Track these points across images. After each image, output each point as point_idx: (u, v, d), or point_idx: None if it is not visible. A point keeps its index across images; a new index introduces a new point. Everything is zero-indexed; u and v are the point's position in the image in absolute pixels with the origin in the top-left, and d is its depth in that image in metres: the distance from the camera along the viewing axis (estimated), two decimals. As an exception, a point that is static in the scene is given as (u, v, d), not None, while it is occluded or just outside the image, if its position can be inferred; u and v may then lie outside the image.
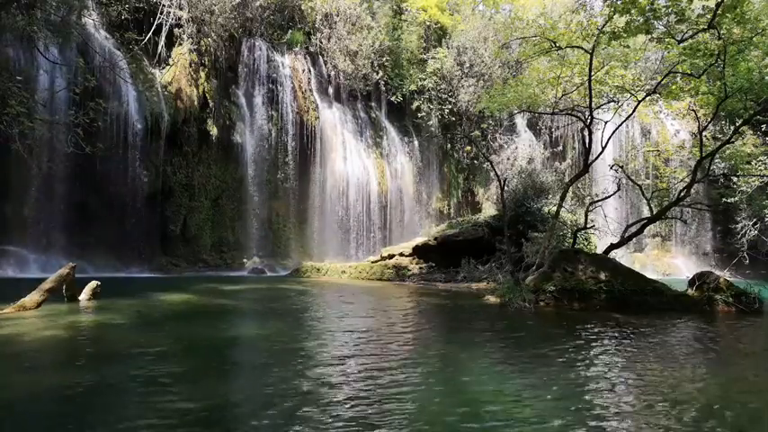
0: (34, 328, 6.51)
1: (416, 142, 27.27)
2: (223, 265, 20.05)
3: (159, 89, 19.19)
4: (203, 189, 20.51)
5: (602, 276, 10.37)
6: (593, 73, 12.11)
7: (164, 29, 19.78)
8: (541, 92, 15.33)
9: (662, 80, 12.74)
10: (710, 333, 7.99)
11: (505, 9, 29.15)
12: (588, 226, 13.96)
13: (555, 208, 14.15)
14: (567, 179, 21.50)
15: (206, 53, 20.95)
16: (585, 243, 17.85)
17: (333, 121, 24.36)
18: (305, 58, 24.13)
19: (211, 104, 20.83)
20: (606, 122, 13.73)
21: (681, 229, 27.41)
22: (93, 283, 9.28)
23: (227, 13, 21.09)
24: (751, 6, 10.98)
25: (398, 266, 17.54)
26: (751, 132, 21.80)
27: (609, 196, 14.24)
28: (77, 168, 16.24)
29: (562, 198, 13.37)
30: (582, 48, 12.42)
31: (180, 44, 20.32)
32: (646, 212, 16.69)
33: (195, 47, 20.55)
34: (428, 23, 27.64)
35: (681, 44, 11.16)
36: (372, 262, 18.57)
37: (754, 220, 22.76)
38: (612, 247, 12.49)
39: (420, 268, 17.37)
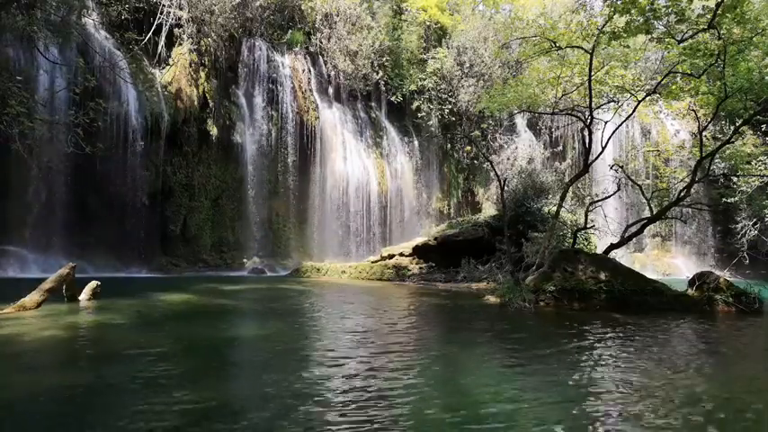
0: (34, 328, 6.51)
1: (416, 142, 27.27)
2: (223, 265, 20.06)
3: (159, 89, 19.19)
4: (203, 189, 20.52)
5: (602, 276, 10.37)
6: (593, 73, 12.10)
7: (164, 29, 19.79)
8: (541, 92, 15.33)
9: (662, 80, 12.74)
10: (711, 333, 7.99)
11: (505, 9, 29.18)
12: (588, 226, 13.95)
13: (555, 208, 14.15)
14: (567, 179, 21.50)
15: (206, 53, 20.95)
16: (585, 243, 17.85)
17: (333, 121, 24.36)
18: (305, 58, 24.13)
19: (211, 104, 20.84)
20: (606, 122, 13.73)
21: (681, 229, 27.42)
22: (93, 283, 9.28)
23: (227, 13, 21.09)
24: (751, 6, 10.98)
25: (398, 266, 17.55)
26: (751, 132, 21.81)
27: (609, 196, 14.24)
28: (77, 168, 16.24)
29: (562, 198, 13.37)
30: (582, 48, 12.42)
31: (180, 44, 20.32)
32: (646, 212, 16.68)
33: (195, 47, 20.55)
34: (428, 23, 27.65)
35: (681, 44, 11.16)
36: (372, 262, 18.57)
37: (754, 220, 22.76)
38: (612, 247, 12.49)
39: (420, 268, 17.37)
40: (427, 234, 21.53)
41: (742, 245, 23.13)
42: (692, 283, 10.83)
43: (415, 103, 26.75)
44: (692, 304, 10.06)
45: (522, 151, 27.28)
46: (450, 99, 26.86)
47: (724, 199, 21.98)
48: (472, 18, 28.81)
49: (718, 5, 10.04)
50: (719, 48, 10.45)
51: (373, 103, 26.75)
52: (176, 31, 20.20)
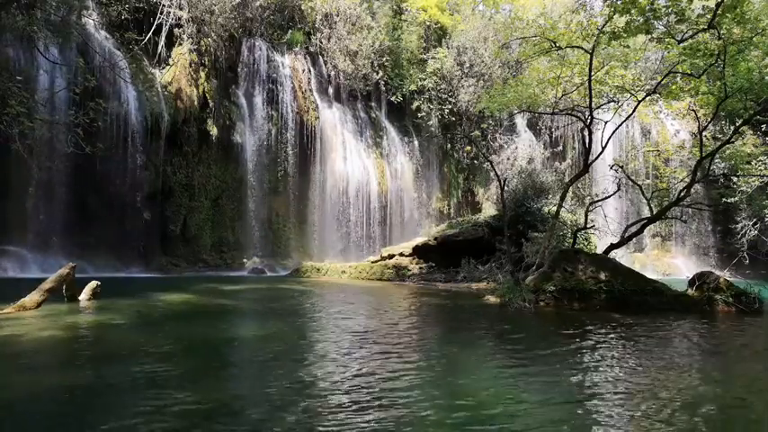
0: (34, 328, 6.50)
1: (416, 142, 27.28)
2: (223, 265, 20.06)
3: (159, 89, 19.19)
4: (203, 189, 20.52)
5: (602, 276, 10.37)
6: (593, 73, 12.10)
7: (164, 29, 19.79)
8: (541, 92, 15.33)
9: (662, 80, 12.74)
10: (711, 333, 7.99)
11: (505, 9, 29.18)
12: (588, 226, 13.95)
13: (555, 208, 14.15)
14: (567, 179, 21.50)
15: (206, 53, 20.95)
16: (585, 243, 17.85)
17: (333, 121, 24.36)
18: (305, 58, 24.14)
19: (211, 104, 20.84)
20: (606, 122, 13.72)
21: (681, 229, 27.42)
22: (93, 283, 9.28)
23: (227, 13, 21.09)
24: (751, 6, 10.98)
25: (398, 266, 17.55)
26: (751, 132, 21.81)
27: (609, 196, 14.24)
28: (77, 168, 16.24)
29: (562, 198, 13.37)
30: (582, 48, 12.42)
31: (180, 44, 20.32)
32: (646, 212, 16.68)
33: (195, 47, 20.55)
34: (428, 23, 27.65)
35: (681, 44, 11.16)
36: (372, 262, 18.57)
37: (754, 220, 22.77)
38: (612, 247, 12.49)
39: (420, 268, 17.37)
40: (427, 234, 21.53)
41: (742, 245, 23.14)
42: (692, 283, 10.83)
43: (415, 103, 26.75)
44: (692, 304, 10.06)
45: (522, 151, 27.28)
46: (450, 99, 26.86)
47: (724, 199, 21.98)
48: (472, 18, 28.82)
49: (718, 5, 10.04)
50: (719, 48, 10.45)
51: (373, 103, 26.75)
52: (176, 31, 20.20)
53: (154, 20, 19.52)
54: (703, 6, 10.66)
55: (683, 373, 5.19)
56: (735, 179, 20.66)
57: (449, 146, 28.20)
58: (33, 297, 7.96)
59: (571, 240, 14.66)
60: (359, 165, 24.33)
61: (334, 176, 23.63)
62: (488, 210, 24.88)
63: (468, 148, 27.90)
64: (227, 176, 21.35)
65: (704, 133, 13.61)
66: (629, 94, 13.76)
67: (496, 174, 13.99)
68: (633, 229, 13.51)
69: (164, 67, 20.00)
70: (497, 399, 4.15)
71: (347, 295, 12.65)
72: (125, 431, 3.32)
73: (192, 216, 20.06)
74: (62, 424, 3.49)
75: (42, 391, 4.13)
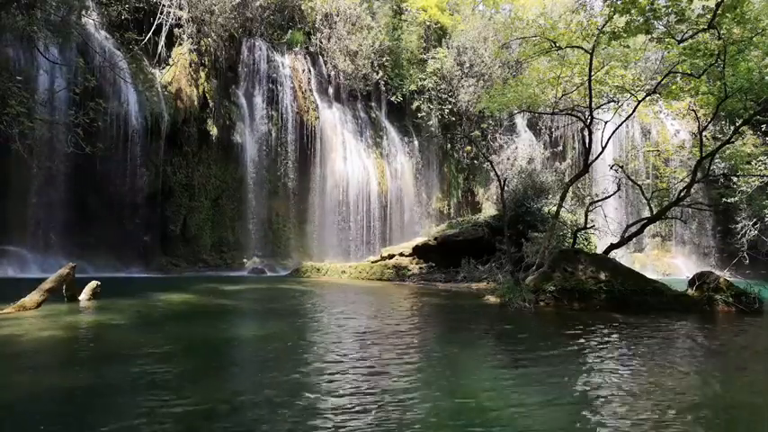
0: (34, 328, 6.50)
1: (416, 142, 27.27)
2: (223, 265, 20.06)
3: (159, 89, 19.19)
4: (203, 189, 20.52)
5: (602, 276, 10.37)
6: (593, 73, 12.10)
7: (164, 29, 19.78)
8: (541, 92, 15.33)
9: (662, 80, 12.74)
10: (711, 334, 7.98)
11: (505, 9, 29.18)
12: (588, 226, 13.95)
13: (555, 208, 14.15)
14: (567, 179, 21.50)
15: (206, 53, 20.95)
16: (585, 243, 17.84)
17: (333, 121, 24.36)
18: (305, 58, 24.13)
19: (211, 104, 20.83)
20: (606, 122, 13.73)
21: (681, 229, 27.41)
22: (93, 283, 9.28)
23: (227, 13, 21.09)
24: (751, 6, 10.97)
25: (398, 266, 17.54)
26: (751, 132, 21.80)
27: (609, 196, 14.24)
28: (77, 168, 16.24)
29: (562, 198, 13.37)
30: (582, 48, 12.42)
31: (180, 44, 20.32)
32: (646, 212, 16.68)
33: (195, 47, 20.55)
34: (428, 23, 27.65)
35: (681, 44, 11.16)
36: (372, 262, 18.57)
37: (754, 220, 22.76)
38: (612, 247, 12.49)
39: (420, 268, 17.36)
40: (427, 234, 21.53)
41: (742, 245, 23.13)
42: (692, 283, 10.83)
43: (415, 103, 26.75)
44: (692, 304, 10.06)
45: (522, 151, 27.28)
46: (450, 99, 26.86)
47: (724, 199, 21.97)
48: (472, 18, 28.81)
49: (718, 5, 10.04)
50: (719, 48, 10.45)
51: (373, 103, 26.75)
52: (176, 31, 20.20)
53: (154, 20, 19.52)
54: (703, 6, 10.66)
55: (683, 373, 5.19)
56: (735, 179, 20.65)
57: (449, 146, 28.20)
58: (33, 297, 7.96)
59: (571, 240, 14.66)
60: (359, 165, 24.33)
61: (334, 176, 23.63)
62: (488, 210, 24.88)
63: (468, 148, 27.90)
64: (227, 176, 21.35)
65: (704, 133, 13.62)
66: (629, 94, 13.76)
67: (496, 174, 13.99)
68: (633, 229, 13.51)
69: (164, 67, 20.00)
70: (498, 400, 4.14)
71: (347, 295, 12.65)
72: (125, 431, 3.32)
73: (191, 216, 20.05)
74: (62, 424, 3.49)
75: (42, 391, 4.13)
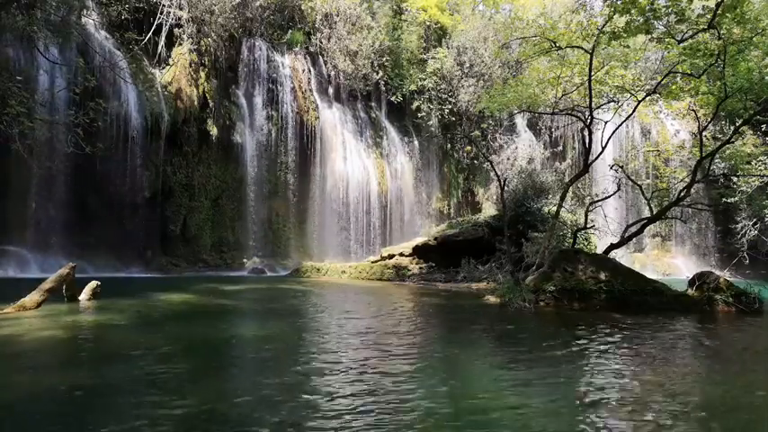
0: (34, 328, 6.50)
1: (416, 142, 27.28)
2: (223, 265, 20.06)
3: (159, 89, 19.19)
4: (203, 189, 20.52)
5: (602, 276, 10.37)
6: (593, 73, 12.10)
7: (164, 29, 19.79)
8: (541, 92, 15.32)
9: (662, 80, 12.74)
10: (711, 334, 7.98)
11: (505, 9, 29.19)
12: (588, 226, 13.95)
13: (555, 208, 14.15)
14: (567, 179, 21.50)
15: (206, 53, 20.95)
16: (585, 243, 17.85)
17: (333, 121, 24.37)
18: (305, 58, 24.14)
19: (211, 104, 20.84)
20: (606, 122, 13.72)
21: (681, 229, 27.42)
22: (93, 283, 9.27)
23: (227, 13, 21.10)
24: (751, 6, 10.97)
25: (398, 266, 17.54)
26: (751, 132, 21.80)
27: (609, 196, 14.23)
28: (77, 168, 16.24)
29: (562, 198, 13.37)
30: (582, 48, 12.42)
31: (180, 44, 20.32)
32: (646, 212, 16.68)
33: (195, 47, 20.55)
34: (428, 23, 27.65)
35: (681, 44, 11.16)
36: (372, 262, 18.57)
37: (754, 220, 22.76)
38: (612, 247, 12.48)
39: (420, 268, 17.36)
40: (427, 234, 21.53)
41: (742, 245, 23.14)
42: (691, 283, 10.83)
43: (415, 103, 26.75)
44: (692, 304, 10.05)
45: (522, 151, 27.28)
46: (450, 99, 26.86)
47: (724, 199, 21.98)
48: (472, 18, 28.82)
49: (718, 5, 10.04)
50: (719, 48, 10.45)
51: (373, 103, 26.75)
52: (176, 31, 20.20)
53: (154, 20, 19.52)
54: (703, 6, 10.66)
55: (684, 374, 5.19)
56: (735, 179, 20.65)
57: (449, 146, 28.20)
58: (33, 297, 7.96)
59: (571, 240, 14.66)
60: (359, 165, 24.33)
61: (334, 176, 23.63)
62: (488, 210, 24.88)
63: (468, 148, 27.90)
64: (227, 176, 21.35)
65: (704, 133, 13.61)
66: (629, 94, 13.75)
67: (496, 174, 13.99)
68: (633, 229, 13.50)
69: (164, 67, 20.00)
70: (499, 401, 4.13)
71: (347, 295, 12.65)
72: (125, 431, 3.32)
73: (191, 216, 20.06)
74: (62, 424, 3.49)
75: (42, 391, 4.13)
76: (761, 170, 19.17)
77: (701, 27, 10.63)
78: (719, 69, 10.92)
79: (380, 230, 24.42)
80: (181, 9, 20.08)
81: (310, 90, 23.85)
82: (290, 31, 24.25)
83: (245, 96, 22.34)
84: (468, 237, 18.11)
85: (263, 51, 22.65)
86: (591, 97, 12.41)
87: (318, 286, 14.23)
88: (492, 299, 10.90)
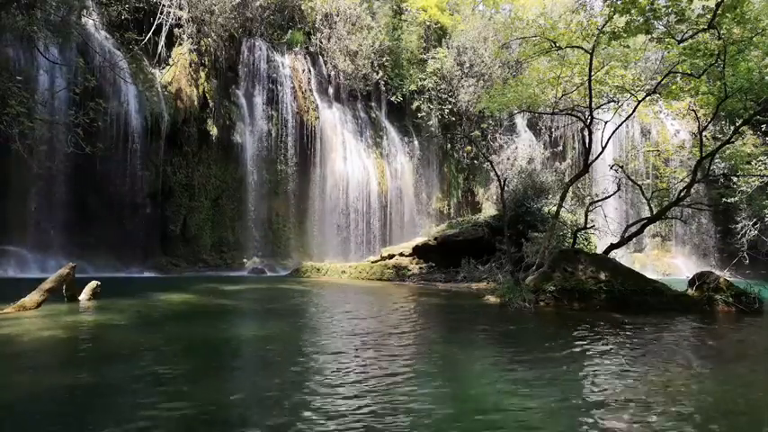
0: (34, 328, 6.50)
1: (416, 142, 27.27)
2: (223, 265, 20.06)
3: (159, 89, 19.19)
4: (203, 189, 20.52)
5: (602, 276, 10.37)
6: (593, 73, 12.10)
7: (164, 29, 19.78)
8: (541, 92, 15.32)
9: (662, 80, 12.74)
10: (711, 334, 7.98)
11: (505, 9, 29.18)
12: (588, 226, 13.95)
13: (555, 208, 14.15)
14: (567, 179, 21.50)
15: (206, 53, 20.95)
16: (585, 243, 17.85)
17: (333, 121, 24.36)
18: (305, 58, 24.13)
19: (211, 104, 20.84)
20: (606, 122, 13.72)
21: (681, 229, 27.42)
22: (93, 283, 9.27)
23: (227, 13, 21.09)
24: (751, 6, 10.97)
25: (398, 266, 17.54)
26: (751, 132, 21.81)
27: (609, 196, 14.23)
28: (77, 168, 16.24)
29: (562, 198, 13.37)
30: (582, 48, 12.42)
31: (180, 44, 20.32)
32: (646, 212, 16.68)
33: (195, 47, 20.55)
34: (428, 23, 27.65)
35: (681, 44, 11.16)
36: (372, 262, 18.57)
37: (754, 220, 22.76)
38: (612, 247, 12.49)
39: (420, 268, 17.36)
40: (427, 234, 21.53)
41: (742, 245, 23.13)
42: (692, 283, 10.83)
43: (415, 103, 26.75)
44: (692, 304, 10.05)
45: (522, 151, 27.28)
46: (450, 99, 26.86)
47: (724, 199, 21.98)
48: (472, 18, 28.81)
49: (718, 5, 10.04)
50: (719, 48, 10.45)
51: (373, 103, 26.75)
52: (176, 31, 20.20)
53: (154, 20, 19.52)
54: (703, 6, 10.66)
55: (685, 375, 5.19)
56: (735, 179, 20.66)
57: (449, 146, 28.20)
58: (33, 297, 7.96)
59: (571, 240, 14.66)
60: (359, 165, 24.33)
61: (334, 176, 23.63)
62: (488, 210, 24.88)
63: (468, 148, 27.90)
64: (227, 176, 21.35)
65: (704, 133, 13.61)
66: (629, 94, 13.75)
67: (496, 174, 13.99)
68: (633, 229, 13.50)
69: (164, 67, 20.00)
70: (500, 402, 4.13)
71: (347, 295, 12.65)
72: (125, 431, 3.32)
73: (192, 216, 20.06)
74: (62, 424, 3.49)
75: (42, 391, 4.13)
76: (761, 170, 19.17)
77: (701, 27, 10.63)
78: (719, 69, 10.92)
79: (380, 230, 24.42)
80: (181, 9, 20.08)
81: (310, 90, 23.85)
82: (290, 31, 24.25)
83: (245, 96, 22.34)
84: (468, 237, 18.11)
85: (263, 51, 22.65)
86: (591, 97, 12.41)
87: (318, 286, 14.23)
88: (492, 299, 10.90)
